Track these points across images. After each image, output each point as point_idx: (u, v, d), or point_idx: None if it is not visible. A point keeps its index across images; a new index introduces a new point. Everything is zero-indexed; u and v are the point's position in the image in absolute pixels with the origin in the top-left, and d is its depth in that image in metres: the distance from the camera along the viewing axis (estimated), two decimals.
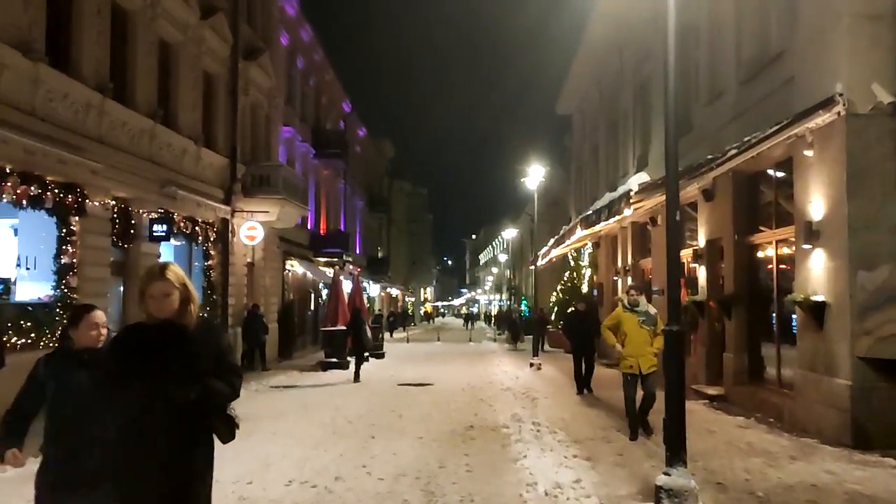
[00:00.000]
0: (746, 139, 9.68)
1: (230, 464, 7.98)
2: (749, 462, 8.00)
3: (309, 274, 29.96)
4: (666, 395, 6.54)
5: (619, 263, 22.90)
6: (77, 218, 13.22)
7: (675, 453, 6.18)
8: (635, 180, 10.66)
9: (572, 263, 30.76)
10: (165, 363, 3.45)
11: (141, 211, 15.59)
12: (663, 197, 12.83)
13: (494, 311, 73.72)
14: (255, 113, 23.21)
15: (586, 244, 28.24)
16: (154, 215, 15.79)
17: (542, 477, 7.30)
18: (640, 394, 9.66)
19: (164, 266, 3.69)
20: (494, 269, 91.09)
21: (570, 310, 16.44)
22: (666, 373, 6.61)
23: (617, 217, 12.10)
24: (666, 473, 6.17)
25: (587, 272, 29.61)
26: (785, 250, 11.47)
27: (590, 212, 14.36)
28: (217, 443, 3.63)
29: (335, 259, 32.75)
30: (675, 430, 6.26)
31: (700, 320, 14.62)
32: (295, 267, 28.42)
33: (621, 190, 11.42)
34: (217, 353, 3.70)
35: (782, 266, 11.71)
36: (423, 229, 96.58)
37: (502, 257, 75.11)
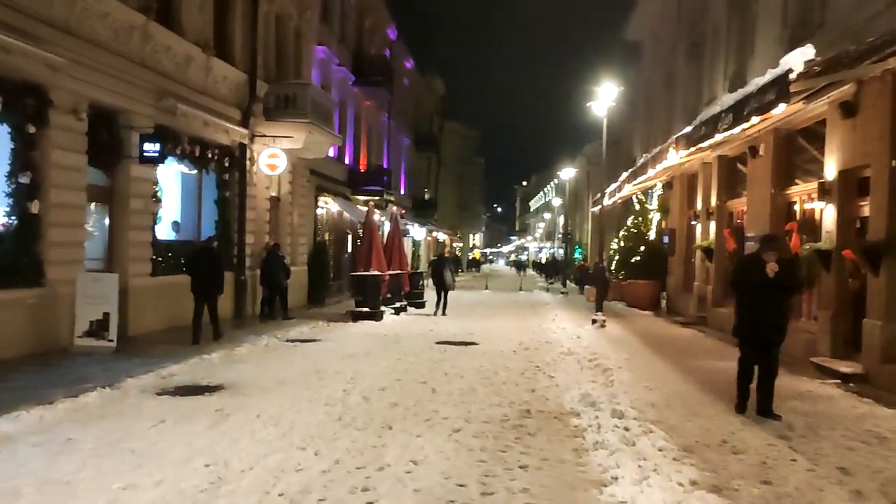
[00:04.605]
0: None
1: (169, 473, 5.29)
2: None
3: (346, 213, 27.24)
4: None
5: (700, 205, 19.53)
6: (36, 128, 10.56)
7: None
8: (796, 58, 7.24)
9: (638, 207, 27.28)
10: None
11: (130, 126, 12.88)
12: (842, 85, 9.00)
13: (544, 259, 70.48)
14: (281, 24, 20.13)
15: (655, 185, 24.80)
16: (147, 131, 13.04)
17: None
18: None
19: None
20: (546, 215, 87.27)
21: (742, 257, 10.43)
22: None
23: (753, 121, 8.68)
24: None
25: (655, 217, 26.21)
26: None
27: (696, 122, 10.93)
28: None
29: (375, 198, 29.92)
30: None
31: (822, 275, 11.35)
32: (329, 204, 25.69)
33: (767, 77, 7.94)
34: None
35: None
36: (474, 173, 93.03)
37: (556, 201, 71.29)
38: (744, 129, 11.11)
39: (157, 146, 12.88)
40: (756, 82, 8.43)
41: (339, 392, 8.68)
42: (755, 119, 8.67)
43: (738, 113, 8.75)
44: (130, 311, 12.66)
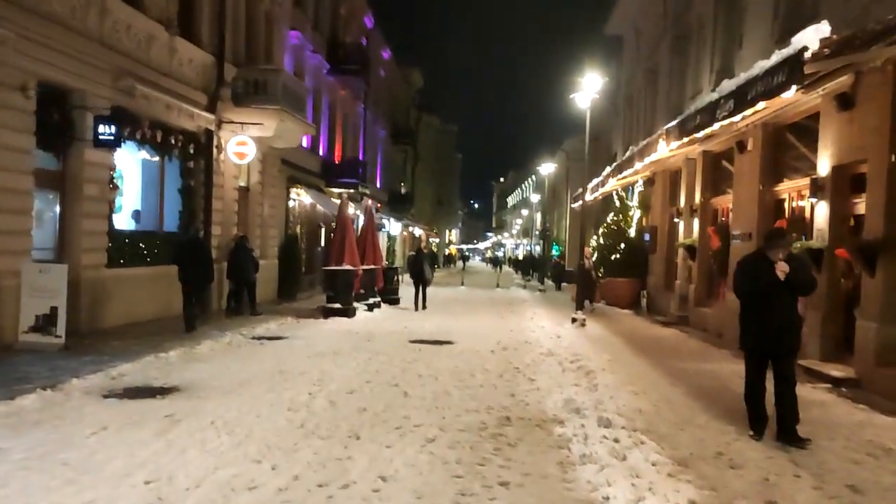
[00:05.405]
0: None
1: (103, 491, 4.63)
2: None
3: (319, 206, 26.44)
4: None
5: (683, 202, 19.06)
6: None
7: None
8: (810, 36, 6.63)
9: (618, 204, 26.79)
10: None
11: (84, 106, 12.06)
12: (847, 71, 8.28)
13: (521, 256, 70.11)
14: (252, 6, 19.33)
15: (637, 181, 24.35)
16: (102, 113, 12.22)
17: None
18: None
19: None
20: (524, 211, 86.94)
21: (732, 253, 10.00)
22: None
23: (756, 107, 8.10)
24: None
25: (636, 213, 25.75)
26: None
27: (690, 111, 10.39)
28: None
29: (350, 191, 29.14)
30: None
31: (814, 273, 10.88)
32: (302, 196, 24.89)
33: (774, 59, 7.35)
34: None
35: None
36: (452, 168, 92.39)
37: (534, 197, 70.87)
38: (733, 123, 10.62)
39: (113, 129, 12.07)
40: (761, 65, 7.84)
41: (304, 395, 8.02)
42: (761, 105, 8.08)
43: (742, 98, 8.14)
44: (83, 306, 11.89)
